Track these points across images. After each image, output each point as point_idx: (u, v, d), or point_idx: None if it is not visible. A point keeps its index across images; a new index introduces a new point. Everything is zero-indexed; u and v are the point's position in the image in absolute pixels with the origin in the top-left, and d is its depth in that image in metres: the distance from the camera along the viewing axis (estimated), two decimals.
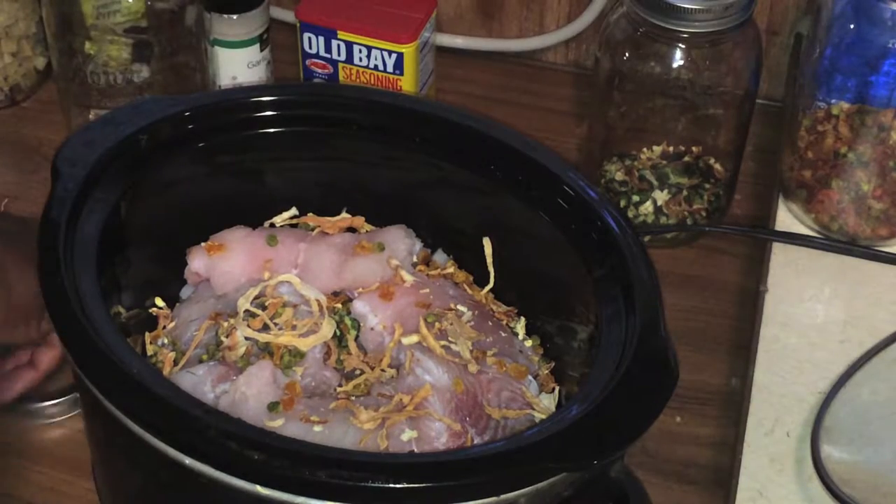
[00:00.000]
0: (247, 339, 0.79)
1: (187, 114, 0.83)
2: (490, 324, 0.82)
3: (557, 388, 0.82)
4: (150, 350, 0.82)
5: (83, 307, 0.69)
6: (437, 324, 0.80)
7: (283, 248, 0.84)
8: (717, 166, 1.02)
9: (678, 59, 0.96)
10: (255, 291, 0.81)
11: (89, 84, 1.06)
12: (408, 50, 1.06)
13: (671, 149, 1.02)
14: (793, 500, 0.81)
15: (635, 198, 1.02)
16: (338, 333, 0.81)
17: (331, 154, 0.87)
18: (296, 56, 1.13)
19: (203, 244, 0.84)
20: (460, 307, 0.83)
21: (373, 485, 0.62)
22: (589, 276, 0.77)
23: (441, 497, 0.64)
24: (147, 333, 0.82)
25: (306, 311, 0.81)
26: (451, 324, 0.80)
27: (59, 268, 0.71)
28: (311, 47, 1.11)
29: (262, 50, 1.09)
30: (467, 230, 0.86)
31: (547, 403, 0.80)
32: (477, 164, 0.83)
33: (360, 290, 0.83)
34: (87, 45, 1.05)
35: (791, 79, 1.08)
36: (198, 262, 0.83)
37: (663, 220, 1.02)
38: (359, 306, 0.82)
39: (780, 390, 0.87)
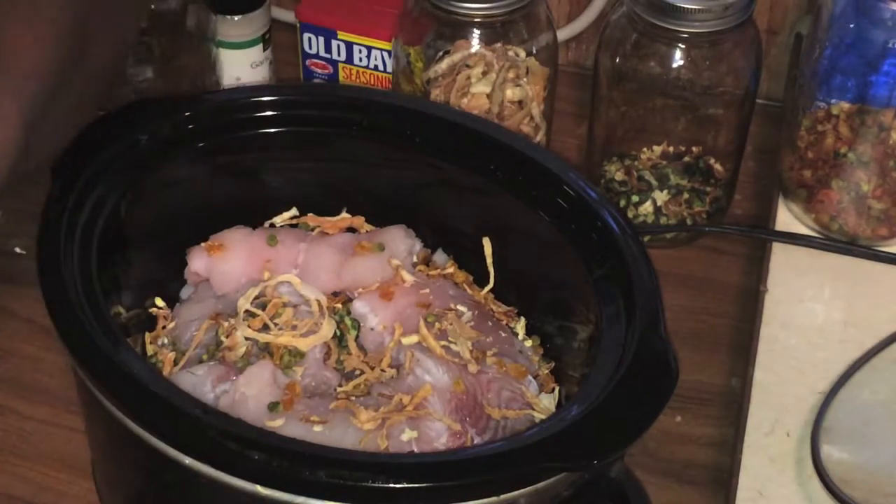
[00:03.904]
0: (247, 339, 0.79)
1: (187, 114, 0.83)
2: (490, 324, 0.82)
3: (557, 388, 0.82)
4: (150, 350, 0.82)
5: (83, 307, 0.69)
6: (437, 324, 0.80)
7: (283, 248, 0.84)
8: (717, 166, 1.02)
9: (678, 59, 0.96)
10: (255, 291, 0.81)
11: None
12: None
13: (671, 149, 1.02)
14: (793, 500, 0.81)
15: (635, 198, 1.02)
16: (338, 333, 0.81)
17: (331, 154, 0.87)
18: (296, 56, 1.13)
19: (203, 244, 0.84)
20: (460, 307, 0.83)
21: (373, 485, 0.62)
22: (589, 276, 0.77)
23: (441, 497, 0.64)
24: (147, 333, 0.82)
25: (306, 312, 0.81)
26: (451, 324, 0.80)
27: (59, 268, 0.71)
28: (311, 47, 1.11)
29: (265, 50, 1.09)
30: (467, 230, 0.86)
31: (547, 403, 0.80)
32: (477, 164, 0.83)
33: (360, 290, 0.83)
34: None
35: (791, 79, 1.08)
36: (198, 262, 0.83)
37: (663, 220, 1.02)
38: (359, 306, 0.82)
39: (780, 390, 0.87)
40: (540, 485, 0.65)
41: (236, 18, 1.07)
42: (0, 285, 0.99)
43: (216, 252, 0.83)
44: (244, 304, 0.81)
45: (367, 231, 0.87)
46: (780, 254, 0.97)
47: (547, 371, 0.82)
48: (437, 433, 0.74)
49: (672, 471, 0.87)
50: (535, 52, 0.98)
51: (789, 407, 0.86)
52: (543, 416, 0.76)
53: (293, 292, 0.82)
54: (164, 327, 0.83)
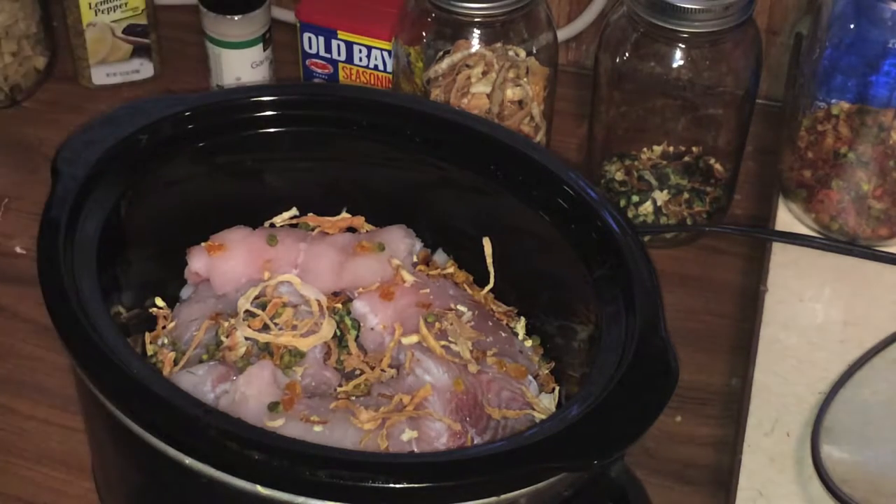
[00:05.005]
0: (247, 339, 0.79)
1: (187, 114, 0.83)
2: (490, 324, 0.82)
3: (557, 388, 0.82)
4: (150, 350, 0.82)
5: (83, 307, 0.69)
6: (437, 324, 0.80)
7: (283, 248, 0.84)
8: (717, 166, 1.02)
9: (678, 59, 0.96)
10: (255, 291, 0.81)
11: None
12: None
13: (671, 149, 1.02)
14: (793, 500, 0.81)
15: (635, 198, 1.02)
16: (338, 333, 0.81)
17: (331, 154, 0.87)
18: (296, 56, 1.13)
19: (203, 244, 0.84)
20: (460, 307, 0.83)
21: (373, 485, 0.62)
22: (589, 276, 0.77)
23: (441, 497, 0.64)
24: (147, 333, 0.82)
25: (306, 311, 0.81)
26: (451, 324, 0.80)
27: (59, 268, 0.71)
28: (311, 47, 1.11)
29: (265, 50, 1.09)
30: (467, 230, 0.86)
31: (547, 403, 0.80)
32: (477, 164, 0.83)
33: (360, 290, 0.83)
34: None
35: (791, 79, 1.08)
36: (198, 262, 0.83)
37: (663, 220, 1.02)
38: (359, 306, 0.82)
39: (780, 390, 0.87)
40: (540, 485, 0.65)
41: (236, 18, 1.07)
42: (0, 285, 0.99)
43: (216, 252, 0.83)
44: (244, 304, 0.81)
45: (367, 231, 0.87)
46: (780, 254, 0.97)
47: (547, 371, 0.82)
48: (437, 433, 0.74)
49: (672, 471, 0.87)
50: (535, 52, 0.98)
51: (789, 407, 0.86)
52: (543, 416, 0.76)
53: (293, 292, 0.82)
54: (164, 327, 0.83)
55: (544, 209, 0.80)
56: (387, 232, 0.86)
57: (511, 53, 0.97)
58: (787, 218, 1.01)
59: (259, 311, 0.80)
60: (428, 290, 0.83)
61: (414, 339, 0.80)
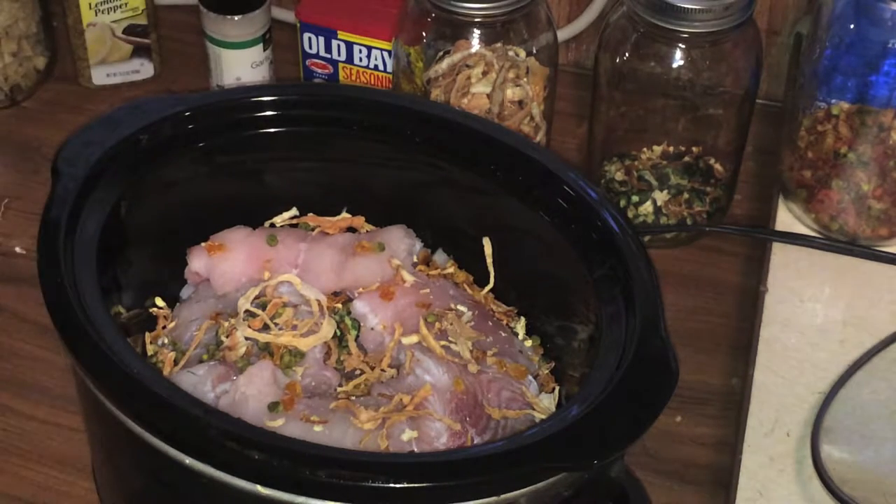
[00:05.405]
0: (247, 339, 0.79)
1: (187, 114, 0.83)
2: (490, 324, 0.82)
3: (557, 388, 0.82)
4: (150, 350, 0.82)
5: (83, 307, 0.69)
6: (437, 324, 0.80)
7: (283, 248, 0.84)
8: (717, 166, 1.02)
9: (678, 59, 0.96)
10: (255, 291, 0.81)
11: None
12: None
13: (671, 149, 1.02)
14: (793, 500, 0.81)
15: (635, 198, 1.02)
16: (338, 333, 0.81)
17: (331, 154, 0.87)
18: (296, 56, 1.13)
19: (203, 244, 0.84)
20: (460, 307, 0.83)
21: (373, 485, 0.62)
22: (589, 276, 0.77)
23: (441, 497, 0.64)
24: (147, 333, 0.82)
25: (306, 311, 0.81)
26: (451, 324, 0.80)
27: (59, 268, 0.71)
28: (311, 47, 1.11)
29: (265, 50, 1.09)
30: (467, 230, 0.86)
31: (547, 403, 0.80)
32: (477, 165, 0.83)
33: (360, 290, 0.83)
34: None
35: (791, 79, 1.08)
36: (198, 262, 0.83)
37: (663, 220, 1.02)
38: (359, 306, 0.82)
39: (780, 390, 0.87)
40: (540, 485, 0.65)
41: (236, 18, 1.07)
42: (0, 285, 0.99)
43: (216, 252, 0.83)
44: (244, 303, 0.81)
45: (367, 231, 0.87)
46: (780, 254, 0.97)
47: (547, 371, 0.82)
48: (437, 433, 0.74)
49: (672, 471, 0.87)
50: (535, 52, 0.98)
51: (789, 407, 0.86)
52: (543, 416, 0.76)
53: (293, 292, 0.82)
54: (164, 327, 0.83)
55: (544, 209, 0.80)
56: (387, 232, 0.86)
57: (511, 53, 0.97)
58: (787, 218, 1.01)
59: (259, 311, 0.80)
60: (428, 290, 0.83)
61: (414, 339, 0.80)
